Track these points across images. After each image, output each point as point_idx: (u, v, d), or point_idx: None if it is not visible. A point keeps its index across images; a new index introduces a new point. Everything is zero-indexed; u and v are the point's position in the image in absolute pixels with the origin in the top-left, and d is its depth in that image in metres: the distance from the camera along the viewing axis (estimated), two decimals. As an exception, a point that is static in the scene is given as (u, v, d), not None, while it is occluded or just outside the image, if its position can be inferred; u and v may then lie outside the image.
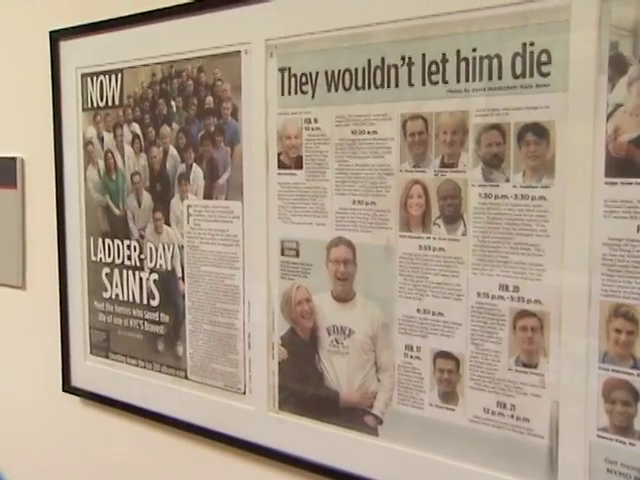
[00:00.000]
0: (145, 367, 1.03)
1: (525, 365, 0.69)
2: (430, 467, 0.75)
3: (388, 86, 0.76)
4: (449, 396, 0.74)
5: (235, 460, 0.95)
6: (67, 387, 1.15)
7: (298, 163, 0.83)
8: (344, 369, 0.81)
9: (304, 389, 0.85)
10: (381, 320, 0.78)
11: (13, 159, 1.23)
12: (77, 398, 1.16)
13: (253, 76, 0.86)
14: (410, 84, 0.74)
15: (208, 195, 0.92)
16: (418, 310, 0.75)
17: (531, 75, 0.66)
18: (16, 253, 1.24)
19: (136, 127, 1.00)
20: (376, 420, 0.79)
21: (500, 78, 0.68)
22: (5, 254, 1.26)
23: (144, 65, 0.99)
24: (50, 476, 1.23)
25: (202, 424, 0.96)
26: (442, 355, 0.74)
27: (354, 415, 0.81)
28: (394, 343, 0.77)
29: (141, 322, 1.03)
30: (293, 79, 0.83)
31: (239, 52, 0.88)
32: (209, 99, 0.91)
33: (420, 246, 0.75)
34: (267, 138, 0.86)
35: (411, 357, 0.76)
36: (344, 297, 0.81)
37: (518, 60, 0.66)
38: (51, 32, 1.10)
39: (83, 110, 1.08)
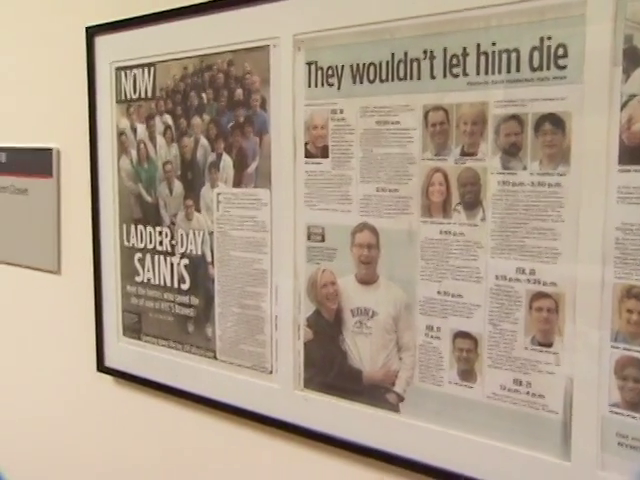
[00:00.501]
0: (175, 348, 1.08)
1: (540, 344, 0.72)
2: (449, 441, 0.79)
3: (411, 78, 0.79)
4: (468, 374, 0.77)
5: (262, 436, 0.99)
6: (101, 367, 1.20)
7: (324, 152, 0.87)
8: (367, 349, 0.85)
9: (328, 368, 0.89)
10: (403, 302, 0.82)
11: (49, 150, 1.28)
12: (110, 377, 1.21)
13: (281, 69, 0.90)
14: (432, 77, 0.78)
15: (237, 183, 0.97)
16: (438, 292, 0.79)
17: (548, 68, 0.69)
18: (52, 239, 1.29)
19: (168, 118, 1.05)
20: (398, 397, 0.83)
21: (518, 71, 0.71)
22: (41, 240, 1.31)
23: (176, 59, 1.03)
24: (85, 450, 1.29)
25: (230, 402, 1.01)
26: (461, 335, 0.78)
27: (377, 393, 0.85)
28: (415, 324, 0.81)
29: (172, 305, 1.08)
30: (320, 72, 0.87)
31: (268, 46, 0.92)
32: (239, 91, 0.96)
33: (441, 231, 0.78)
34: (294, 128, 0.90)
35: (431, 337, 0.80)
36: (368, 280, 0.85)
37: (536, 53, 0.70)
38: (87, 28, 1.15)
39: (117, 102, 1.12)
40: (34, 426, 1.40)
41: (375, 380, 0.85)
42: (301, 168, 0.90)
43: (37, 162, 1.30)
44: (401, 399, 0.83)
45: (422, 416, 0.81)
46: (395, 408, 0.84)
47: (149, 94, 1.07)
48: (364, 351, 0.85)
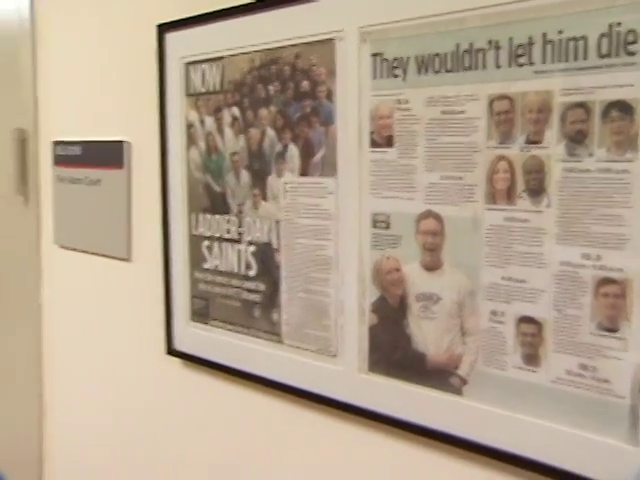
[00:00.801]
0: (242, 332, 1.12)
1: (607, 330, 0.73)
2: (513, 425, 0.81)
3: (476, 68, 0.81)
4: (532, 358, 0.79)
5: (326, 418, 1.03)
6: (170, 350, 1.25)
7: (389, 141, 0.89)
8: (432, 333, 0.87)
9: (393, 352, 0.92)
10: (467, 287, 0.83)
11: (121, 142, 1.34)
12: (178, 360, 1.27)
13: (347, 61, 0.93)
14: (497, 66, 0.79)
15: (303, 172, 1.00)
16: (503, 278, 0.80)
17: (617, 54, 0.69)
18: (123, 228, 1.35)
19: (236, 110, 1.09)
20: (461, 381, 0.85)
21: (585, 58, 0.72)
22: (113, 229, 1.37)
23: (243, 53, 1.07)
24: (153, 429, 1.35)
25: (295, 384, 1.04)
26: (525, 320, 0.79)
27: (440, 376, 0.87)
28: (479, 309, 0.83)
29: (239, 291, 1.12)
30: (385, 63, 0.89)
31: (333, 39, 0.94)
32: (305, 83, 0.99)
33: (505, 218, 0.80)
34: (360, 118, 0.92)
35: (495, 322, 0.81)
36: (432, 266, 0.87)
37: (604, 41, 0.70)
38: (158, 25, 1.20)
39: (186, 96, 1.17)
40: (106, 406, 1.47)
41: (439, 364, 0.87)
42: (366, 157, 0.92)
43: (109, 154, 1.37)
44: (464, 382, 0.85)
45: (486, 399, 0.83)
46: (458, 391, 0.85)
47: (217, 87, 1.11)
48: (428, 335, 0.88)
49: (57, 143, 1.50)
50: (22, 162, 1.60)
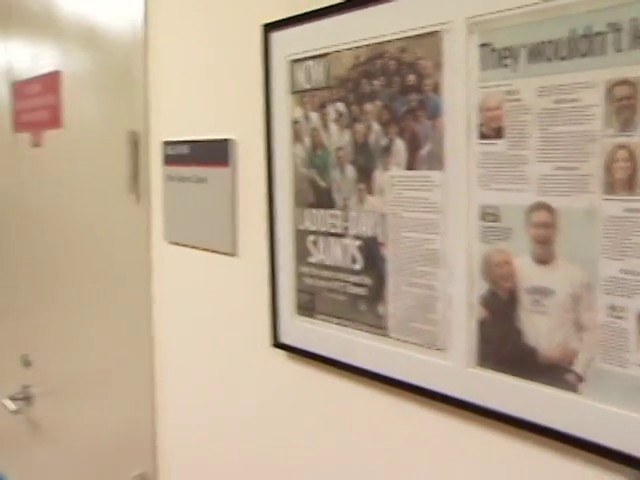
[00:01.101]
0: (347, 326, 1.13)
1: None
2: (635, 425, 0.77)
3: (593, 54, 0.78)
4: (655, 355, 0.75)
5: (432, 412, 1.02)
6: (276, 343, 1.29)
7: (499, 133, 0.88)
8: (544, 327, 0.85)
9: (502, 346, 0.90)
10: (583, 280, 0.81)
11: (226, 141, 1.39)
12: (284, 352, 1.30)
13: (454, 53, 0.92)
14: (617, 50, 0.76)
15: (410, 166, 1.00)
16: (621, 270, 0.77)
17: None
18: (229, 224, 1.40)
19: (340, 106, 1.10)
20: (577, 377, 0.83)
21: None
22: (219, 225, 1.43)
23: (348, 49, 1.08)
24: (259, 420, 1.39)
25: (401, 378, 1.05)
26: (648, 315, 0.76)
27: (553, 372, 0.85)
28: (596, 303, 0.80)
29: (344, 284, 1.13)
30: (494, 54, 0.88)
31: (440, 32, 0.94)
32: (411, 77, 0.98)
33: (625, 208, 0.77)
34: (468, 111, 0.91)
35: (615, 317, 0.78)
36: (544, 259, 0.85)
37: None
38: (264, 25, 1.24)
39: (291, 93, 1.20)
40: (215, 397, 1.52)
41: (552, 359, 0.85)
42: (475, 149, 0.91)
43: (216, 153, 1.42)
44: (581, 379, 0.82)
45: (605, 398, 0.80)
46: (574, 388, 0.83)
47: (322, 84, 1.13)
48: (540, 330, 0.86)
49: (167, 143, 1.57)
50: (134, 162, 1.69)
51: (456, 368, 0.96)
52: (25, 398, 2.43)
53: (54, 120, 2.07)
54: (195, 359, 1.57)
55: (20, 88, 2.29)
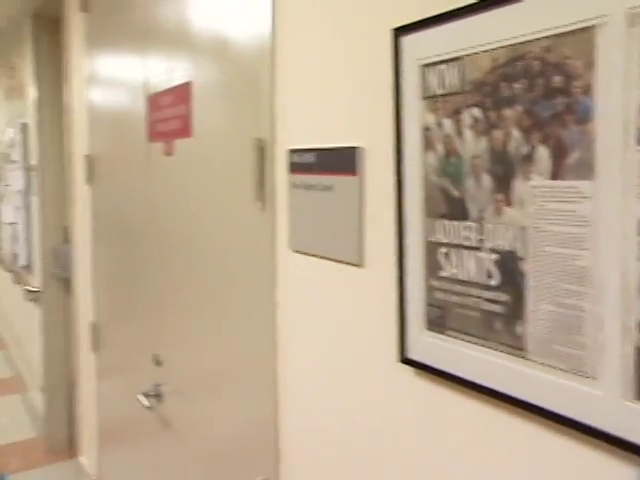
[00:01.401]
0: (480, 344, 1.06)
1: None
2: None
3: None
4: None
5: (577, 444, 0.93)
6: (403, 358, 1.24)
7: (663, 138, 0.78)
8: None
9: (665, 378, 0.80)
10: None
11: (354, 148, 1.36)
12: (411, 369, 1.25)
13: (610, 50, 0.83)
14: None
15: (554, 175, 0.92)
16: None
17: None
18: (355, 233, 1.37)
19: (476, 111, 1.04)
20: None
21: None
22: (345, 234, 1.40)
23: (485, 51, 1.01)
24: (384, 438, 1.35)
25: (542, 404, 0.97)
26: None
27: None
28: None
29: (478, 300, 1.06)
30: (658, 49, 0.78)
31: (593, 26, 0.85)
32: (557, 78, 0.90)
33: None
34: (626, 114, 0.82)
35: None
36: None
37: None
38: (394, 29, 1.19)
39: (423, 99, 1.14)
40: (338, 407, 1.50)
41: None
42: (632, 157, 0.82)
43: (342, 161, 1.39)
44: None
45: None
46: None
47: (456, 88, 1.07)
48: None
49: (293, 151, 1.57)
50: (260, 170, 1.70)
51: (609, 399, 0.87)
52: (156, 395, 2.53)
53: (185, 129, 2.14)
54: (318, 366, 1.55)
55: (155, 100, 2.39)
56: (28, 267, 5.32)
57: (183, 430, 2.35)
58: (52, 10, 4.12)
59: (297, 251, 1.60)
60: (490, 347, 1.05)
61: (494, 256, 1.03)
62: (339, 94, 1.42)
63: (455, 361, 1.12)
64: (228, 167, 1.89)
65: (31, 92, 4.75)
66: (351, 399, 1.45)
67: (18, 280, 5.94)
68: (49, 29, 4.55)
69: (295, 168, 1.56)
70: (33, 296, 4.97)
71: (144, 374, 2.66)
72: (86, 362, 3.68)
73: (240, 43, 1.79)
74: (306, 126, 1.54)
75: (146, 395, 2.53)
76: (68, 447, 4.54)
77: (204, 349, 2.14)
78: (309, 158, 1.51)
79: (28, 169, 5.02)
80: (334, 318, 1.48)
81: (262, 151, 1.69)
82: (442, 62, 1.10)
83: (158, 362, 2.51)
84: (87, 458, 3.81)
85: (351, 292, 1.42)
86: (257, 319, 1.79)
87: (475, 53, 1.03)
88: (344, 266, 1.43)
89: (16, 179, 5.57)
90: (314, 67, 1.50)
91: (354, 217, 1.37)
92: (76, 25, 3.50)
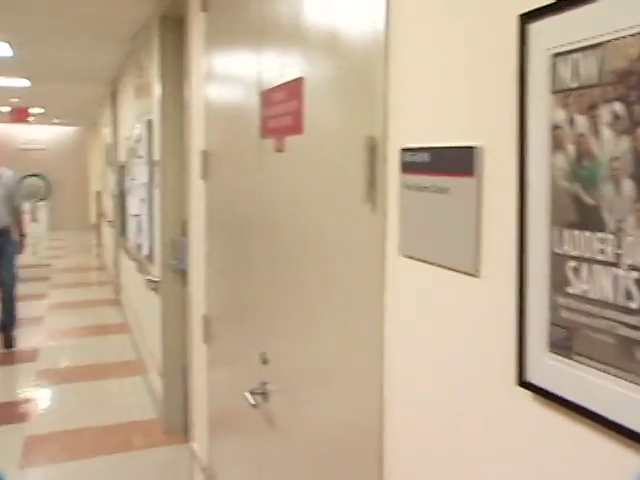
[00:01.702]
0: (616, 375, 0.93)
1: None
2: None
3: None
4: None
5: None
6: (522, 382, 1.11)
7: None
8: None
9: None
10: None
11: (471, 148, 1.24)
12: (530, 394, 1.12)
13: None
14: None
15: None
16: None
17: None
18: (471, 241, 1.25)
19: (618, 106, 0.90)
20: None
21: None
22: (460, 241, 1.28)
23: (632, 35, 0.87)
24: (496, 459, 1.23)
25: (690, 452, 0.82)
26: None
27: None
28: None
29: (614, 324, 0.92)
30: None
31: None
32: None
33: None
34: None
35: None
36: None
37: None
38: (521, 15, 1.07)
39: (552, 93, 1.01)
40: (447, 424, 1.39)
41: None
42: None
43: (459, 161, 1.28)
44: None
45: None
46: None
47: (594, 80, 0.93)
48: None
49: (405, 150, 1.47)
50: (371, 169, 1.62)
51: None
52: (262, 393, 2.52)
53: (296, 126, 2.10)
54: (426, 377, 1.45)
55: (267, 96, 2.37)
56: (150, 257, 5.56)
57: (287, 429, 2.32)
58: (178, 11, 4.24)
59: (408, 256, 1.50)
60: (629, 380, 0.91)
61: (635, 274, 0.89)
62: (456, 89, 1.30)
63: (582, 390, 0.99)
64: (338, 165, 1.83)
65: (156, 90, 4.94)
66: (461, 417, 1.33)
67: (141, 269, 6.24)
68: (174, 29, 4.70)
69: (408, 168, 1.47)
70: (154, 285, 5.19)
71: (251, 371, 2.66)
72: (198, 353, 3.77)
73: (353, 38, 1.72)
74: (420, 123, 1.44)
75: (252, 393, 2.52)
76: (183, 431, 4.69)
77: (310, 349, 2.09)
78: (423, 158, 1.40)
79: (152, 164, 5.24)
80: (445, 328, 1.38)
81: (373, 150, 1.60)
82: (577, 50, 0.96)
83: (265, 360, 2.50)
84: (199, 445, 3.91)
85: (465, 303, 1.31)
86: (364, 323, 1.71)
87: (620, 37, 0.89)
88: (458, 275, 1.32)
89: (141, 173, 5.84)
90: (429, 61, 1.39)
91: (470, 222, 1.26)
92: (197, 24, 3.58)
